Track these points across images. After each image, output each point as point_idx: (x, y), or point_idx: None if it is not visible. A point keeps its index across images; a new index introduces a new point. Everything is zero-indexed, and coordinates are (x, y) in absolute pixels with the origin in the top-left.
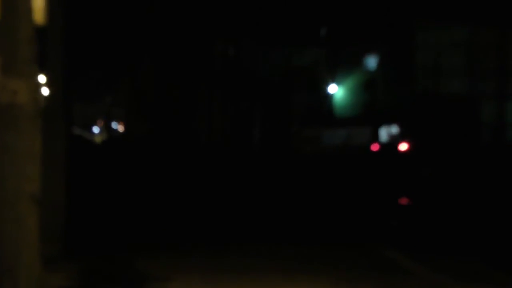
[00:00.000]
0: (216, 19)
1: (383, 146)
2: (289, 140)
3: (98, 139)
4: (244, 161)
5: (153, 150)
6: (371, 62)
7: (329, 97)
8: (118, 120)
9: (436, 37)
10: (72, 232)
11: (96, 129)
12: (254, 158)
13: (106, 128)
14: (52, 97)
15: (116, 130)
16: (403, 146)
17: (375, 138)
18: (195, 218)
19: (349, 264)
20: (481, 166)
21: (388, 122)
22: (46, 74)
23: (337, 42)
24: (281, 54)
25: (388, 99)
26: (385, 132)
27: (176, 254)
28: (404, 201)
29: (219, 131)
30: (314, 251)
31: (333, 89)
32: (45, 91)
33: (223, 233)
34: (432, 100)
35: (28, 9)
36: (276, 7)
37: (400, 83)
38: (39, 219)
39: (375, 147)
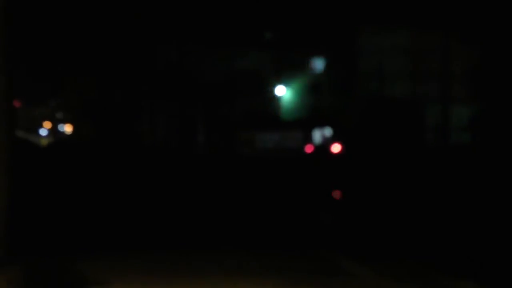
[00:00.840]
0: (159, 23)
1: (317, 147)
2: (231, 143)
3: (44, 142)
4: (186, 163)
5: (98, 152)
6: (318, 65)
7: (274, 100)
8: (65, 123)
9: (379, 41)
10: (17, 235)
11: (43, 132)
12: (195, 160)
13: (53, 131)
14: None
15: (63, 133)
16: (336, 148)
17: (309, 140)
18: (138, 220)
19: (292, 267)
20: (419, 167)
21: (322, 125)
22: None
23: (282, 45)
24: (226, 57)
25: (333, 102)
26: (318, 135)
27: (118, 257)
28: (337, 195)
29: (162, 134)
30: (257, 255)
31: (280, 91)
32: None
33: (165, 235)
34: (377, 103)
35: None
36: (220, 10)
37: (345, 86)
38: None
39: (309, 148)
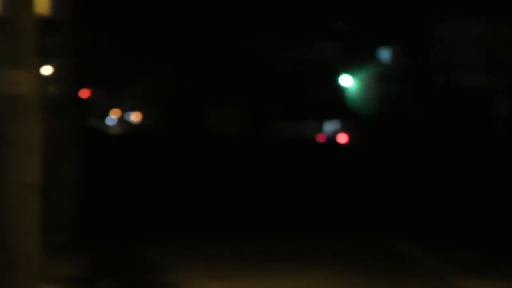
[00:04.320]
0: (231, 12)
1: (328, 137)
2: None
3: (114, 130)
4: (254, 152)
5: (166, 142)
6: (385, 54)
7: (341, 90)
8: (134, 111)
9: (451, 31)
10: (84, 221)
11: (112, 120)
12: (262, 150)
13: (122, 119)
14: (62, 88)
15: (131, 121)
16: (343, 138)
17: (321, 130)
18: (204, 209)
19: (356, 253)
20: (479, 156)
21: (332, 117)
22: (56, 65)
23: (351, 35)
24: (295, 47)
25: (403, 92)
26: (329, 126)
27: (182, 244)
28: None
29: (231, 123)
30: (319, 241)
31: (347, 82)
32: (55, 82)
33: (230, 223)
34: (444, 93)
35: (30, 1)
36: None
37: (413, 76)
38: (42, 208)
39: (321, 138)
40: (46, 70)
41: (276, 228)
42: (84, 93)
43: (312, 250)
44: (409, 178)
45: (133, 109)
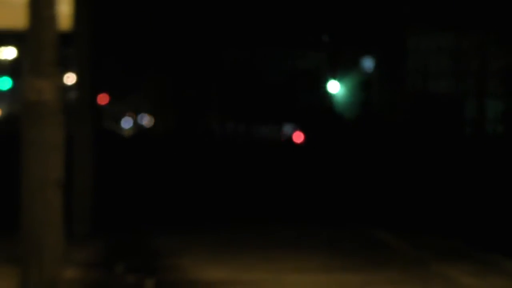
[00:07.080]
0: (227, 26)
1: (287, 138)
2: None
3: (127, 132)
4: (249, 158)
5: (174, 144)
6: (369, 64)
7: (328, 96)
8: (146, 114)
9: (425, 42)
10: (100, 213)
11: (127, 123)
12: (259, 154)
13: (135, 123)
14: (80, 94)
15: (143, 125)
16: (299, 138)
17: (280, 132)
18: (211, 201)
19: (338, 240)
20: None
21: (289, 120)
22: (75, 74)
23: (338, 46)
24: (287, 58)
25: (382, 98)
26: (287, 128)
27: (188, 232)
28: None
29: (230, 128)
30: (306, 230)
31: (334, 89)
32: (74, 89)
33: (229, 214)
34: (420, 98)
35: (51, 16)
36: (281, 15)
37: (393, 83)
38: (64, 202)
39: (282, 138)
40: (69, 79)
41: (261, 218)
42: (103, 99)
43: (295, 238)
44: (385, 174)
45: (146, 113)
